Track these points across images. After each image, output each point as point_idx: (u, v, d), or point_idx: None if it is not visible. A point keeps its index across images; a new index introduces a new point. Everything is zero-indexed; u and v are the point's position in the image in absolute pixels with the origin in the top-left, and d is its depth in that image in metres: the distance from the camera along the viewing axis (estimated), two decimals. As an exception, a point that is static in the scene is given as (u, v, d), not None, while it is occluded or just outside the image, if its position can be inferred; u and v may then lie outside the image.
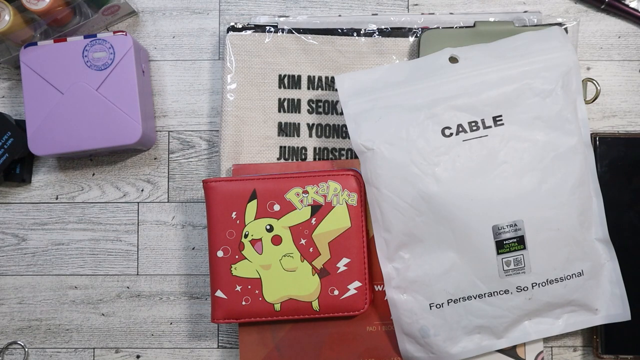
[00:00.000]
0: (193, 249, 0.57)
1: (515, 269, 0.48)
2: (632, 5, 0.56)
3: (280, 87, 0.55)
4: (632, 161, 0.53)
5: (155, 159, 0.57)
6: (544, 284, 0.48)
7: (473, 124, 0.48)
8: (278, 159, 0.55)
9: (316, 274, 0.50)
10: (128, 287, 0.57)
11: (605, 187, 0.51)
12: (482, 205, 0.47)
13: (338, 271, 0.50)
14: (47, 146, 0.53)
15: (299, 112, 0.55)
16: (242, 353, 0.52)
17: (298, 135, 0.55)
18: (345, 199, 0.50)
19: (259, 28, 0.55)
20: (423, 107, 0.48)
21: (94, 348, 0.56)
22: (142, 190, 0.57)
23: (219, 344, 0.56)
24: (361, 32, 0.55)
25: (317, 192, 0.50)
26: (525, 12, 0.56)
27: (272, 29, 0.55)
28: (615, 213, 0.52)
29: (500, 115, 0.48)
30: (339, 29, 0.55)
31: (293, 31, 0.55)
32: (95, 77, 0.53)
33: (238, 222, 0.50)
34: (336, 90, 0.54)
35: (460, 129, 0.48)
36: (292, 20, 0.56)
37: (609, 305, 0.51)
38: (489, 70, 0.49)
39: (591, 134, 0.53)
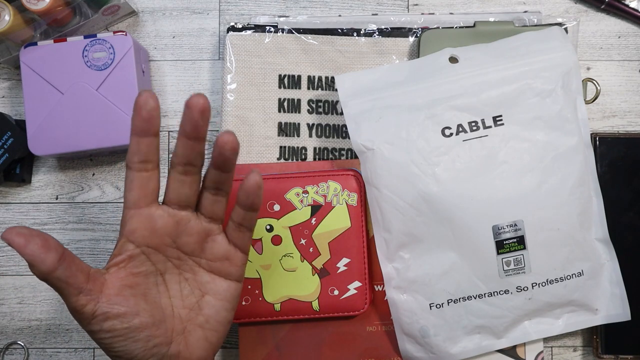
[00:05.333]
0: (193, 249, 0.57)
1: (515, 269, 0.48)
2: (632, 5, 0.56)
3: (280, 87, 0.55)
4: (632, 161, 0.53)
5: (155, 159, 0.57)
6: (544, 284, 0.48)
7: (473, 124, 0.48)
8: (278, 159, 0.55)
9: (316, 274, 0.50)
10: (128, 287, 0.57)
11: (605, 187, 0.51)
12: (482, 205, 0.47)
13: (338, 271, 0.50)
14: (47, 146, 0.53)
15: (299, 112, 0.55)
16: (242, 353, 0.52)
17: (298, 135, 0.55)
18: (345, 199, 0.50)
19: (259, 28, 0.55)
20: (423, 107, 0.48)
21: (94, 348, 0.56)
22: (142, 190, 0.57)
23: (219, 344, 0.56)
24: (361, 32, 0.55)
25: (317, 192, 0.50)
26: (525, 12, 0.56)
27: (272, 29, 0.55)
28: (615, 213, 0.52)
29: (500, 115, 0.48)
30: (339, 29, 0.55)
31: (293, 31, 0.55)
32: (95, 77, 0.53)
33: (238, 222, 0.50)
34: (336, 90, 0.54)
35: (460, 129, 0.48)
36: (292, 20, 0.56)
37: (609, 305, 0.51)
38: (489, 70, 0.49)
39: (591, 134, 0.53)
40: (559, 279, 0.48)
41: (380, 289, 0.52)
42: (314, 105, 0.55)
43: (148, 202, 0.39)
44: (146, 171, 0.38)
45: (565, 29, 0.54)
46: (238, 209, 0.41)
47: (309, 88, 0.56)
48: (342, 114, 0.55)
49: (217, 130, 0.57)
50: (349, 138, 0.54)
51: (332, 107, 0.55)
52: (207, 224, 0.41)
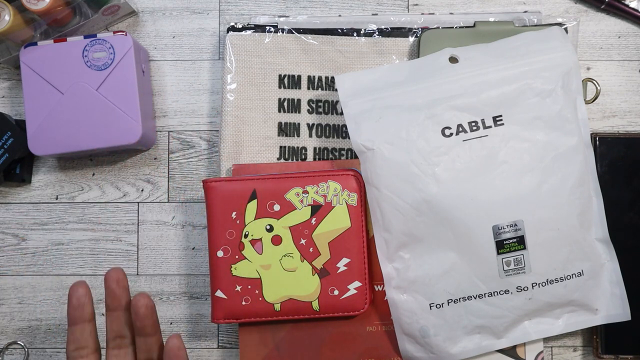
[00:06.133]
0: (193, 249, 0.57)
1: (515, 269, 0.48)
2: (632, 5, 0.56)
3: (280, 87, 0.55)
4: (632, 161, 0.53)
5: (155, 159, 0.57)
6: (544, 284, 0.48)
7: (473, 124, 0.48)
8: (278, 159, 0.55)
9: (316, 274, 0.50)
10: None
11: (605, 187, 0.51)
12: (482, 205, 0.47)
13: (338, 271, 0.50)
14: (47, 146, 0.53)
15: (299, 112, 0.55)
16: (242, 353, 0.52)
17: (298, 135, 0.55)
18: (345, 199, 0.50)
19: (259, 28, 0.55)
20: (423, 107, 0.48)
21: (94, 348, 0.56)
22: (142, 190, 0.57)
23: (219, 344, 0.56)
24: (361, 32, 0.55)
25: (317, 192, 0.50)
26: (525, 12, 0.56)
27: (272, 29, 0.55)
28: (615, 213, 0.52)
29: (500, 115, 0.48)
30: (339, 29, 0.55)
31: (293, 31, 0.55)
32: (95, 77, 0.53)
33: (238, 222, 0.50)
34: (336, 90, 0.54)
35: (460, 129, 0.48)
36: (292, 20, 0.56)
37: (609, 305, 0.51)
38: (489, 70, 0.49)
39: (591, 134, 0.53)
40: (559, 279, 0.48)
41: (380, 289, 0.52)
42: (314, 105, 0.55)
43: None
44: (81, 357, 0.39)
45: (565, 29, 0.54)
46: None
47: (309, 88, 0.55)
48: (342, 114, 0.55)
49: (217, 130, 0.57)
50: (349, 138, 0.54)
51: (332, 107, 0.55)
52: None
